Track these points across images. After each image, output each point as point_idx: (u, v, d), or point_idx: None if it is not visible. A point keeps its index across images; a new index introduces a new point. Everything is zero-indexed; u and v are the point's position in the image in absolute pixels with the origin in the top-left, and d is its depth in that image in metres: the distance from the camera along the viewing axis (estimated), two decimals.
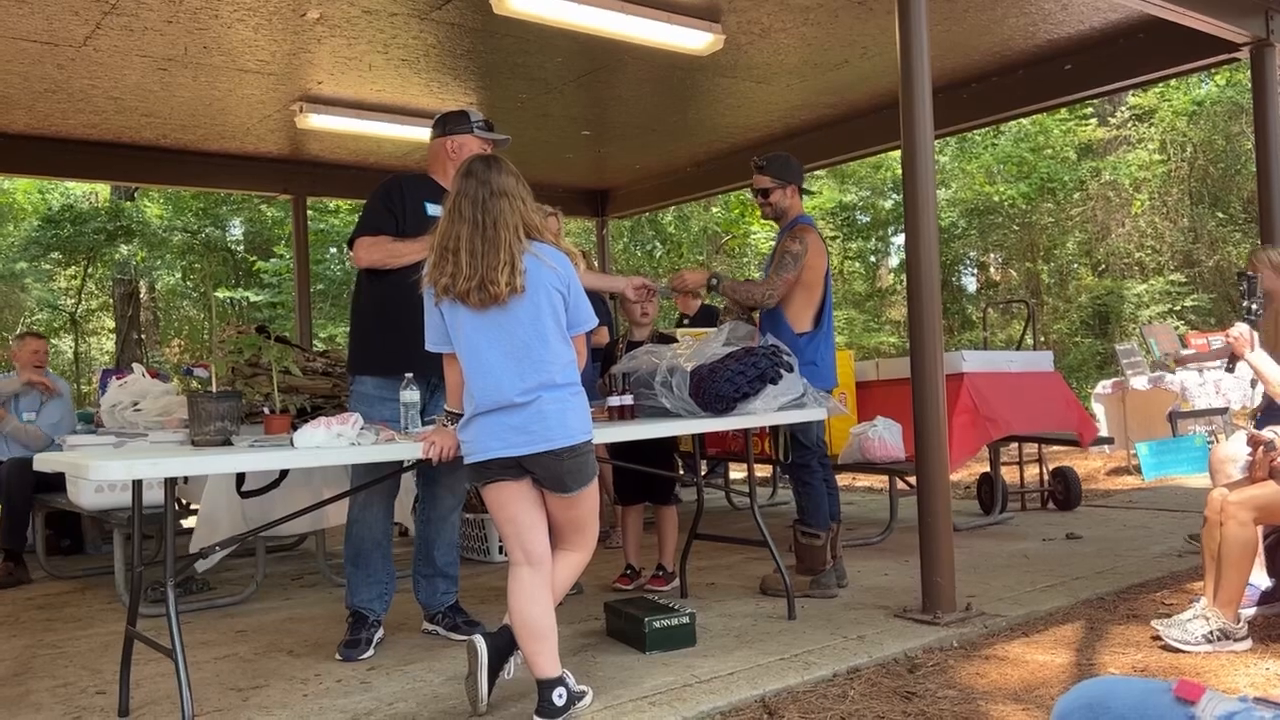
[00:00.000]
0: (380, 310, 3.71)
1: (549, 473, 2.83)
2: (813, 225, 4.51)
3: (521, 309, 2.79)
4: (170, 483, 2.87)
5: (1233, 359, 3.92)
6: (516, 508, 2.88)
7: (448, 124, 3.85)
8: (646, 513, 4.84)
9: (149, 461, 2.69)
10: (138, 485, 3.04)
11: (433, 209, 3.68)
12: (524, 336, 2.80)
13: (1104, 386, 9.43)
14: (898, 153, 4.10)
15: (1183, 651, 3.36)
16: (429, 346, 2.97)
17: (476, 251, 2.76)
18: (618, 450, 4.50)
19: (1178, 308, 14.15)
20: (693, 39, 5.30)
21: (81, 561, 6.21)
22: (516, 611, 2.84)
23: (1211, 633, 3.36)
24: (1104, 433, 8.53)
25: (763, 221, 16.20)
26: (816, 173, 14.67)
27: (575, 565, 3.00)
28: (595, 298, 5.55)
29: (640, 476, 4.53)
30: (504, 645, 2.91)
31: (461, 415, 2.93)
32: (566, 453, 2.80)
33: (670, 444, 4.71)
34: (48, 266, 16.47)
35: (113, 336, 17.78)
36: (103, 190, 16.15)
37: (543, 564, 2.89)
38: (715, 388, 3.76)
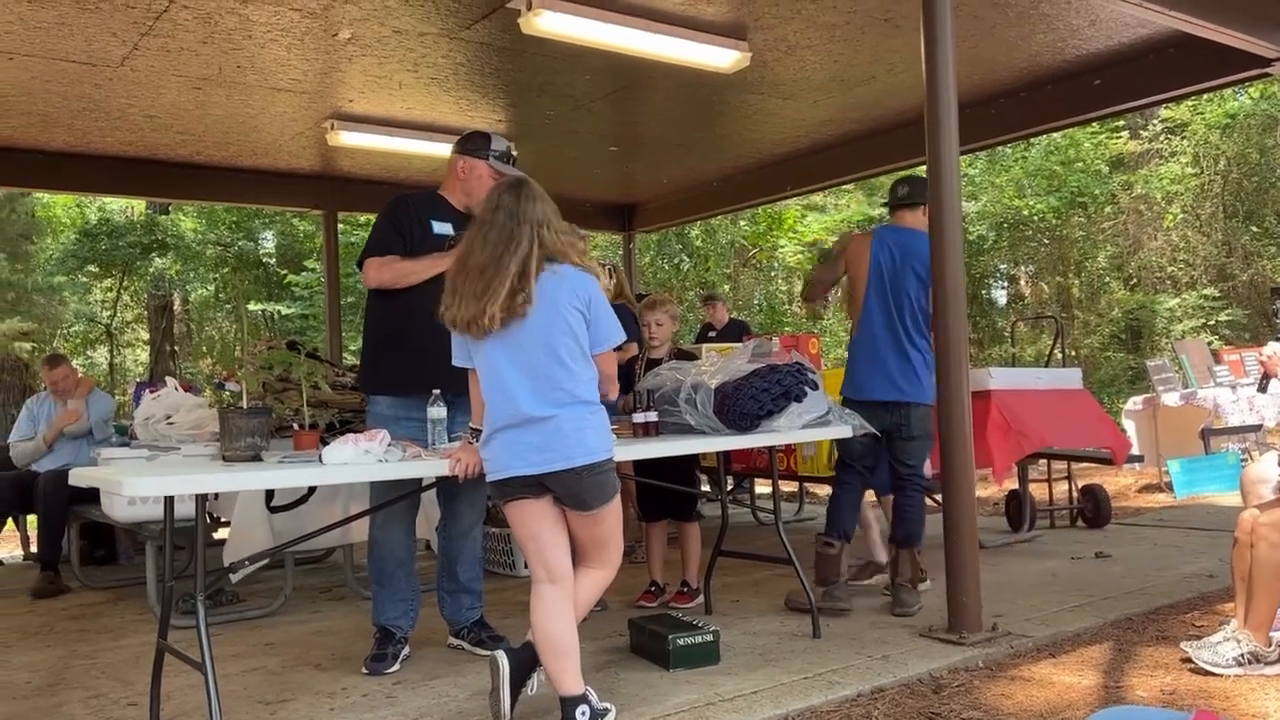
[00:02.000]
0: (388, 330, 3.72)
1: (569, 491, 2.85)
2: (870, 231, 4.54)
3: (539, 327, 2.82)
4: (201, 498, 2.92)
5: (1265, 378, 3.87)
6: (538, 525, 2.91)
7: (466, 144, 3.86)
8: (671, 529, 4.84)
9: (180, 478, 2.74)
10: (169, 500, 3.09)
11: (439, 227, 3.71)
12: (540, 355, 2.82)
13: (1135, 403, 9.32)
14: (924, 168, 4.10)
15: (1212, 674, 3.31)
16: (455, 361, 3.01)
17: (478, 282, 2.80)
18: (641, 466, 4.52)
19: (1211, 322, 13.95)
20: (719, 57, 5.32)
21: (115, 571, 6.30)
22: (539, 629, 2.86)
23: (1242, 655, 3.31)
24: (1135, 450, 8.43)
25: (790, 235, 16.23)
26: (844, 187, 14.64)
27: (598, 582, 3.02)
28: (626, 314, 5.58)
29: (664, 492, 4.54)
30: (527, 661, 2.92)
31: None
32: (585, 471, 2.82)
33: (692, 460, 4.72)
34: (84, 279, 16.75)
35: (147, 349, 18.02)
36: (138, 204, 16.42)
37: (564, 581, 2.91)
38: (739, 405, 3.77)
